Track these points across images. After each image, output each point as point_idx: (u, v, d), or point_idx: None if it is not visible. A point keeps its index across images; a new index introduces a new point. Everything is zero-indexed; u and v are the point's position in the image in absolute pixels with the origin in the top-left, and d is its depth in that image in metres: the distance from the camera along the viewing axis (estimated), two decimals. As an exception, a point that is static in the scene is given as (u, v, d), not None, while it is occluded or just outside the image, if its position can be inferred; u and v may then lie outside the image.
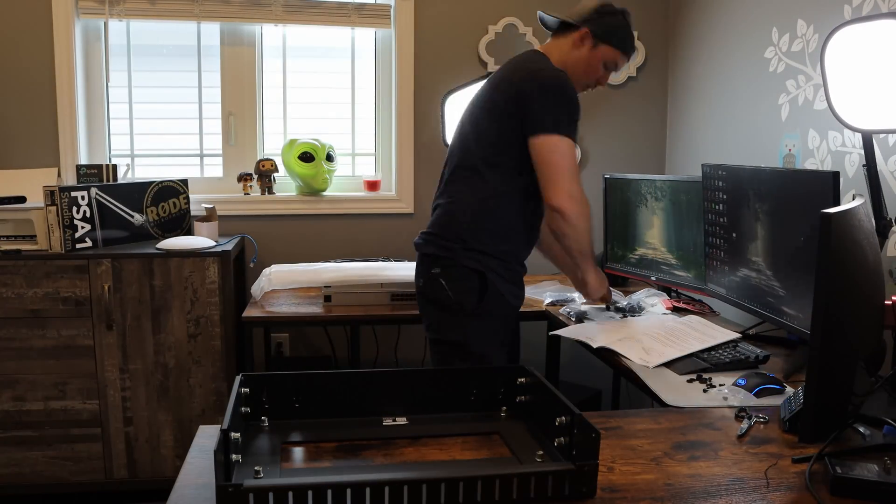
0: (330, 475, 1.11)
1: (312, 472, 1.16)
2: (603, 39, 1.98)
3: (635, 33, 3.16)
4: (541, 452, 1.21)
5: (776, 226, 1.88)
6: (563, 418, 1.19)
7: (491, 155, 1.92)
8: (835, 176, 1.65)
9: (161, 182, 2.80)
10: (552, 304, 2.48)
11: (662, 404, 1.57)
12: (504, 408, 1.41)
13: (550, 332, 2.22)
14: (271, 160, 3.02)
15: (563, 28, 2.02)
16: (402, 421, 1.35)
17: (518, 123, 1.88)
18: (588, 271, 2.04)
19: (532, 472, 1.06)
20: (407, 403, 1.36)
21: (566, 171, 1.85)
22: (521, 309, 2.49)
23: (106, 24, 2.92)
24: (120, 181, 2.80)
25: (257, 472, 1.11)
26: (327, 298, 2.48)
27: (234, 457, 1.12)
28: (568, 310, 2.32)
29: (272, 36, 3.08)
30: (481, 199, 1.92)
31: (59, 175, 2.85)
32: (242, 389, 1.27)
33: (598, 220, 2.93)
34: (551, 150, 1.85)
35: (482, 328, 1.93)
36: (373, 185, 3.11)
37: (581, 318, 2.23)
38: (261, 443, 1.24)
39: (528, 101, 1.86)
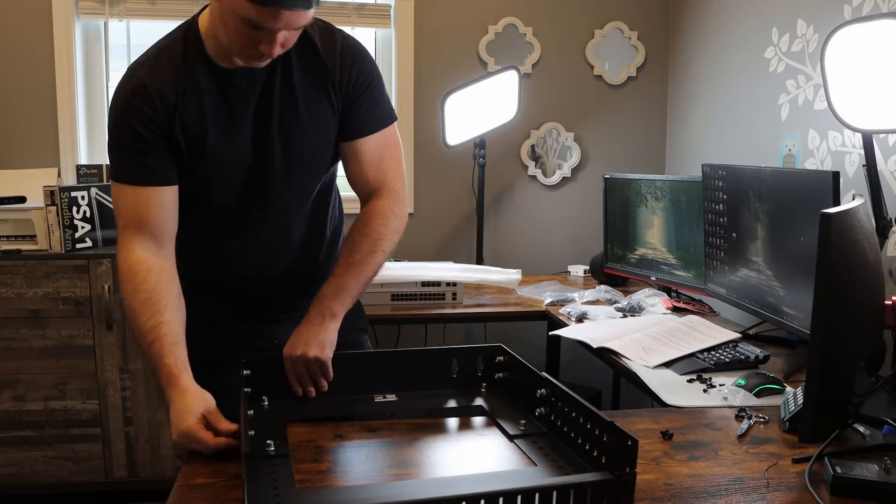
0: (352, 495, 1.06)
1: (329, 492, 1.09)
2: None
3: (632, 33, 3.20)
4: (523, 421, 1.30)
5: (776, 226, 1.88)
6: (544, 391, 1.28)
7: None
8: (835, 176, 1.65)
9: (161, 182, 2.79)
10: (552, 304, 2.48)
11: (662, 404, 1.56)
12: (484, 384, 1.48)
13: (550, 332, 2.22)
14: (271, 160, 3.02)
15: None
16: (391, 398, 1.42)
17: None
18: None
19: (571, 484, 1.00)
20: (395, 381, 1.44)
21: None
22: (521, 309, 2.51)
23: (106, 24, 2.92)
24: (120, 181, 2.80)
25: (268, 446, 1.16)
26: (327, 298, 2.47)
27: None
28: (568, 310, 2.31)
29: (272, 36, 3.08)
30: None
31: (59, 175, 2.85)
32: (244, 371, 1.34)
33: (598, 220, 2.93)
34: None
35: None
36: (373, 185, 3.11)
37: (581, 318, 2.23)
38: (266, 421, 1.29)
39: None
